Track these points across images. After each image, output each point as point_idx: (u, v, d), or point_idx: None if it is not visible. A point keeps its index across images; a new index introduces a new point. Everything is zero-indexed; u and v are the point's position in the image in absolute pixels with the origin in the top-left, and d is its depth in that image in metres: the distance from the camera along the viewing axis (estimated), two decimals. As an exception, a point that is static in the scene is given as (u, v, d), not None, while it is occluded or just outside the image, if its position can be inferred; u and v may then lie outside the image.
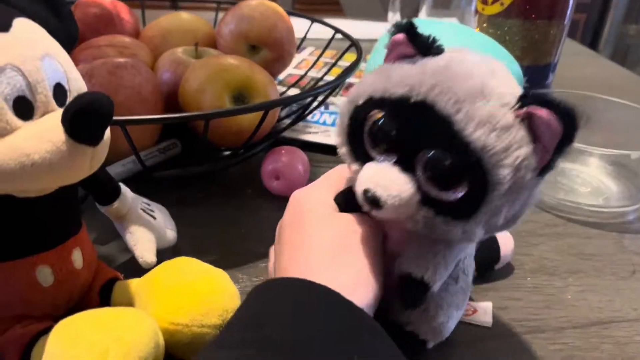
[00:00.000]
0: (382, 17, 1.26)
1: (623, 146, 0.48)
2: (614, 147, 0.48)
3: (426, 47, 0.27)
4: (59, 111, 0.26)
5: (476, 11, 0.66)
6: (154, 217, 0.39)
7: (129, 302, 0.33)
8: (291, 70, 0.78)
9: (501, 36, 0.62)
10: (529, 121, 0.25)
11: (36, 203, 0.29)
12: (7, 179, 0.25)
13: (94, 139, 0.26)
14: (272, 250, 0.37)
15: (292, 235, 0.31)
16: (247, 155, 0.51)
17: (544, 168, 0.26)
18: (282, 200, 0.35)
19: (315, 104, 0.51)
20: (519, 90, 0.26)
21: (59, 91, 0.28)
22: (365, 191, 0.27)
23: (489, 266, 0.41)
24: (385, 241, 0.31)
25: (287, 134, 0.58)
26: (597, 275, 0.42)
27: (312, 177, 0.51)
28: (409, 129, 0.26)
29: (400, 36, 0.28)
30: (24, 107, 0.26)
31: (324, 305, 0.26)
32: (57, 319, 0.30)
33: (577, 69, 0.93)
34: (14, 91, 0.25)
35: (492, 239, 0.41)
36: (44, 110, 0.27)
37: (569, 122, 0.24)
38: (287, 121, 0.56)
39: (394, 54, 0.29)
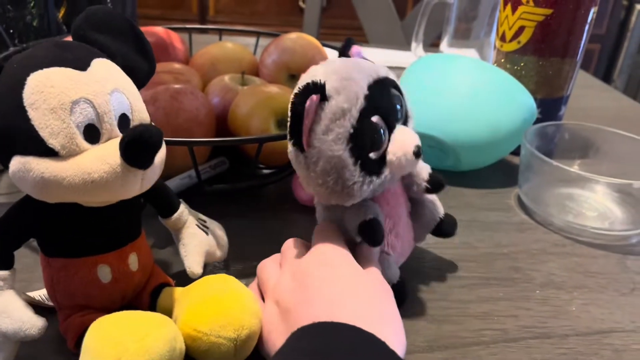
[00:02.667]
0: (404, 46, 1.33)
1: (629, 176, 0.53)
2: (620, 177, 0.52)
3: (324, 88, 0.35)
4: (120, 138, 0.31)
5: (495, 47, 0.72)
6: (207, 233, 0.43)
7: (170, 307, 0.38)
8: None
9: (517, 71, 0.68)
10: None
11: (100, 211, 0.35)
12: (72, 192, 0.31)
13: (144, 164, 0.31)
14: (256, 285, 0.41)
15: (329, 290, 0.33)
16: (286, 174, 0.57)
17: None
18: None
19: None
20: None
21: (124, 120, 0.33)
22: (415, 147, 0.36)
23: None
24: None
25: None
26: (600, 290, 0.47)
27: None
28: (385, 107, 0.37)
29: (315, 96, 0.35)
30: (92, 133, 0.31)
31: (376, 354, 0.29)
32: (112, 312, 0.34)
33: (589, 100, 0.98)
34: (85, 120, 0.31)
35: None
36: (109, 136, 0.32)
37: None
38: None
39: (315, 111, 0.36)
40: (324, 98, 0.34)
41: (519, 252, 0.52)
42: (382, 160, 0.36)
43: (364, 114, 0.35)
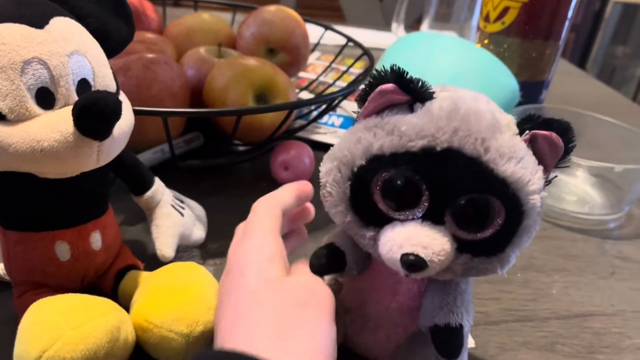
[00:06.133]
0: (382, 26, 1.31)
1: (607, 161, 0.52)
2: (599, 161, 0.52)
3: (419, 93, 0.27)
4: None
5: (478, 28, 0.71)
6: (182, 215, 0.40)
7: (132, 292, 0.35)
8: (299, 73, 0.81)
9: (501, 53, 0.67)
10: (532, 143, 0.26)
11: (56, 184, 0.32)
12: (19, 161, 0.28)
13: (98, 134, 0.28)
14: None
15: (232, 305, 0.28)
16: (263, 151, 0.55)
17: (544, 184, 0.27)
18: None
19: (330, 106, 0.55)
20: (509, 116, 0.28)
21: (84, 86, 0.30)
22: (406, 255, 0.25)
23: None
24: (395, 297, 0.31)
25: (299, 133, 0.62)
26: (580, 274, 0.47)
27: (316, 171, 0.55)
28: (438, 179, 0.25)
29: (390, 85, 0.26)
30: (45, 98, 0.28)
31: None
32: (71, 292, 0.32)
33: (568, 86, 0.98)
34: (37, 82, 0.28)
35: None
36: (65, 102, 0.29)
37: (567, 137, 0.27)
38: (299, 121, 0.60)
39: (380, 104, 0.27)
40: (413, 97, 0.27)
41: (499, 234, 0.52)
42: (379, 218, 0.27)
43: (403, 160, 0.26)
